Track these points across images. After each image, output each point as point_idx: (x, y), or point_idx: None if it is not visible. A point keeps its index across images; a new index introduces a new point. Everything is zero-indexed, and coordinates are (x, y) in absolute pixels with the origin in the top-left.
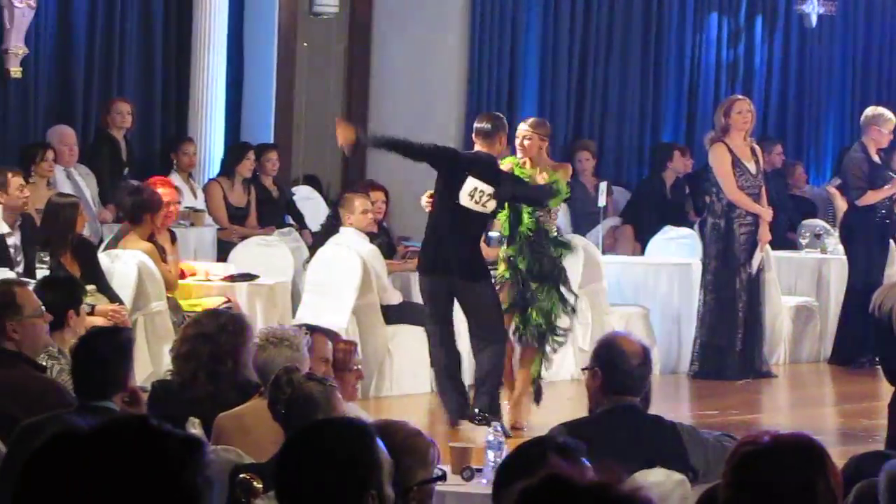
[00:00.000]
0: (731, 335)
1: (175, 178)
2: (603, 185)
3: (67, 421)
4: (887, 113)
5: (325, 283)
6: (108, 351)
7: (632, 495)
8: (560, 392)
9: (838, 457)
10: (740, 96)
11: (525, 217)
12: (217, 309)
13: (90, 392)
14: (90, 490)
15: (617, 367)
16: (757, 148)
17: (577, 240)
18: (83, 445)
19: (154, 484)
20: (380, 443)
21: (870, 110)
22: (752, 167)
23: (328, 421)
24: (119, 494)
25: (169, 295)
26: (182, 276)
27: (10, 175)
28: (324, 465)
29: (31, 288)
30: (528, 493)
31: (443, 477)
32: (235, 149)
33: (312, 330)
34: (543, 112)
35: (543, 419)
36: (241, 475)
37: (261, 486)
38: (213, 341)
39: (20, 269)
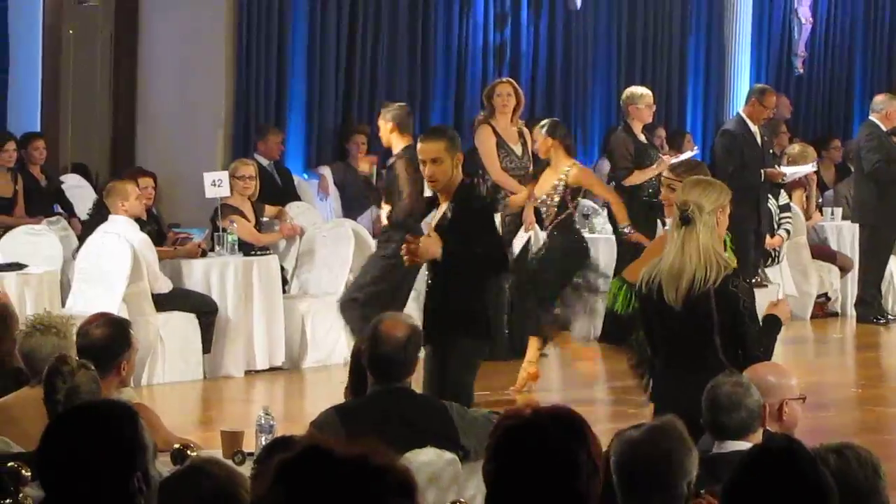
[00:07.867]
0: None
1: None
2: (374, 170)
3: None
4: (640, 90)
5: (94, 271)
6: None
7: (390, 464)
8: (333, 376)
9: (603, 433)
10: (504, 79)
11: None
12: None
13: None
14: None
15: (375, 352)
16: (525, 130)
17: (349, 224)
18: None
19: None
20: (143, 424)
21: (626, 91)
22: (518, 149)
23: (92, 403)
24: None
25: None
26: None
27: None
28: (88, 447)
29: None
30: (287, 464)
31: None
32: None
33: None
34: (313, 96)
35: (314, 405)
36: (9, 464)
37: (29, 474)
38: None
39: None
